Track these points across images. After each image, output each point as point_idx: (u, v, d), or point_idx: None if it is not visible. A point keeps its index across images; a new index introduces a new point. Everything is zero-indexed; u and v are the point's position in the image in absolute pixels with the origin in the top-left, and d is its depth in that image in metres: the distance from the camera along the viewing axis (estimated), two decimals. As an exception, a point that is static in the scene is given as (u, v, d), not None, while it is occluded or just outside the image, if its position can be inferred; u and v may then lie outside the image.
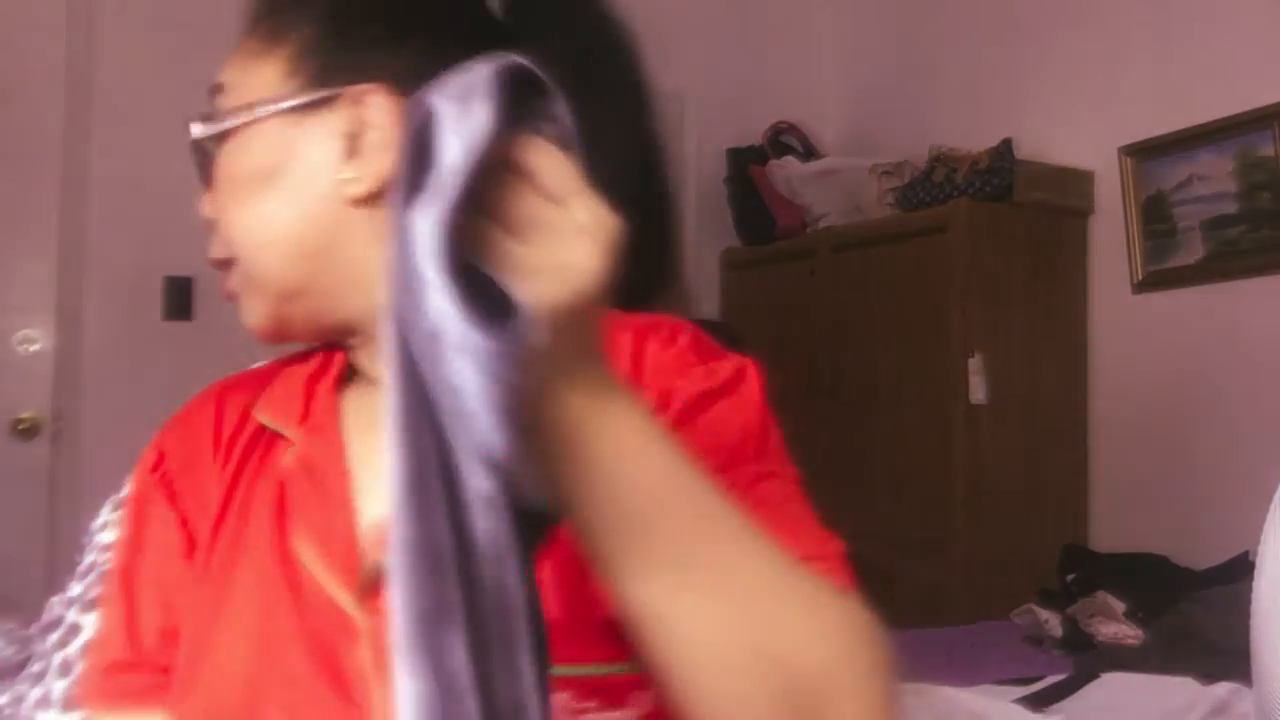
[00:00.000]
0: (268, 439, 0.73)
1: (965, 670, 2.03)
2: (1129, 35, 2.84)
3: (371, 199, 0.66)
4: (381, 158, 0.65)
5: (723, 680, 0.50)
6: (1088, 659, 2.07)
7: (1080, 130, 2.94)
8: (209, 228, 0.72)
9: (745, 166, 3.49)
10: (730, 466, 0.62)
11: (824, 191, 3.29)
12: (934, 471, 2.81)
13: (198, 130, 0.70)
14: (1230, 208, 2.59)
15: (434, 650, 0.43)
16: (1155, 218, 2.76)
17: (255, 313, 0.71)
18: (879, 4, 3.71)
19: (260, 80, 0.68)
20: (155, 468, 0.74)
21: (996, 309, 2.79)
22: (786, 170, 3.37)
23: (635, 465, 0.49)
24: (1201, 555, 2.39)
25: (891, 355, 2.96)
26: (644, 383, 0.65)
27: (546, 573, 0.60)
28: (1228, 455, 2.55)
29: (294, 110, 0.67)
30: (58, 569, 2.64)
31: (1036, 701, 1.69)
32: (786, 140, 3.60)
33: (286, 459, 0.71)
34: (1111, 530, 2.83)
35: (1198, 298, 2.66)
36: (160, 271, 2.89)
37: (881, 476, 2.97)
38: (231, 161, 0.69)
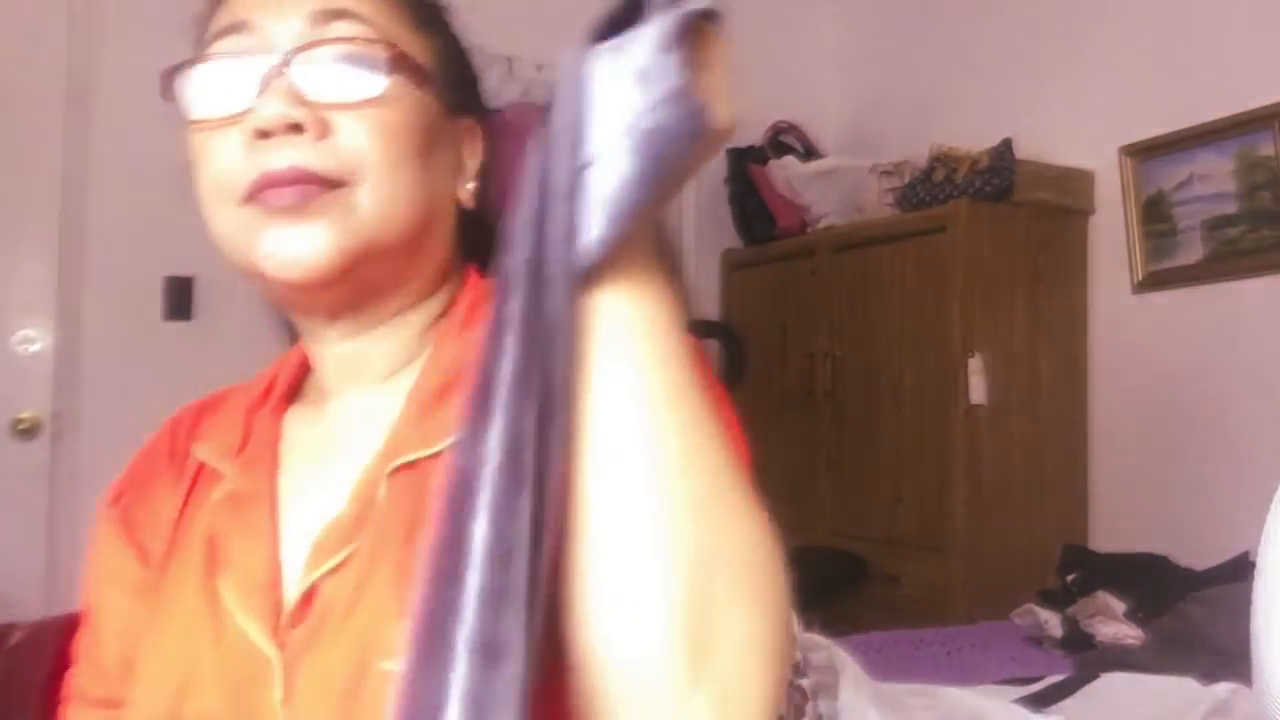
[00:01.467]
0: (210, 471, 0.72)
1: (965, 670, 2.03)
2: (1129, 35, 2.84)
3: (463, 215, 0.73)
4: (473, 185, 0.73)
5: (630, 543, 0.49)
6: (1088, 659, 2.07)
7: (1080, 130, 2.94)
8: (312, 130, 0.65)
9: (745, 166, 3.49)
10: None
11: (824, 191, 3.30)
12: (934, 471, 2.81)
13: (380, 55, 0.67)
14: (1230, 208, 2.59)
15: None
16: (1155, 218, 2.76)
17: (332, 242, 0.65)
18: (879, 4, 3.71)
19: (406, 41, 0.69)
20: (116, 499, 0.75)
21: (996, 309, 2.79)
22: (786, 170, 3.37)
23: (649, 344, 0.52)
24: (1201, 555, 2.39)
25: (891, 355, 2.96)
26: None
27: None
28: (1228, 455, 2.55)
29: (447, 102, 0.71)
30: (58, 569, 2.65)
31: (1036, 701, 1.69)
32: (786, 140, 3.60)
33: (216, 494, 0.70)
34: (1111, 530, 2.83)
35: (1198, 298, 2.66)
36: (160, 271, 2.89)
37: (881, 476, 2.97)
38: (405, 108, 0.67)
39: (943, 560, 2.75)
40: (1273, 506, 0.80)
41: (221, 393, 0.78)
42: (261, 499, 0.69)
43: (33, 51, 2.78)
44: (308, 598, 0.64)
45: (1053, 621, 2.26)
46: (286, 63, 0.64)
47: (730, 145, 3.56)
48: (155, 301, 2.92)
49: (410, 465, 0.65)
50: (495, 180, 0.76)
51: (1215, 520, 2.50)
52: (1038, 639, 2.26)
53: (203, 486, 0.72)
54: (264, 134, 0.63)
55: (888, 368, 2.97)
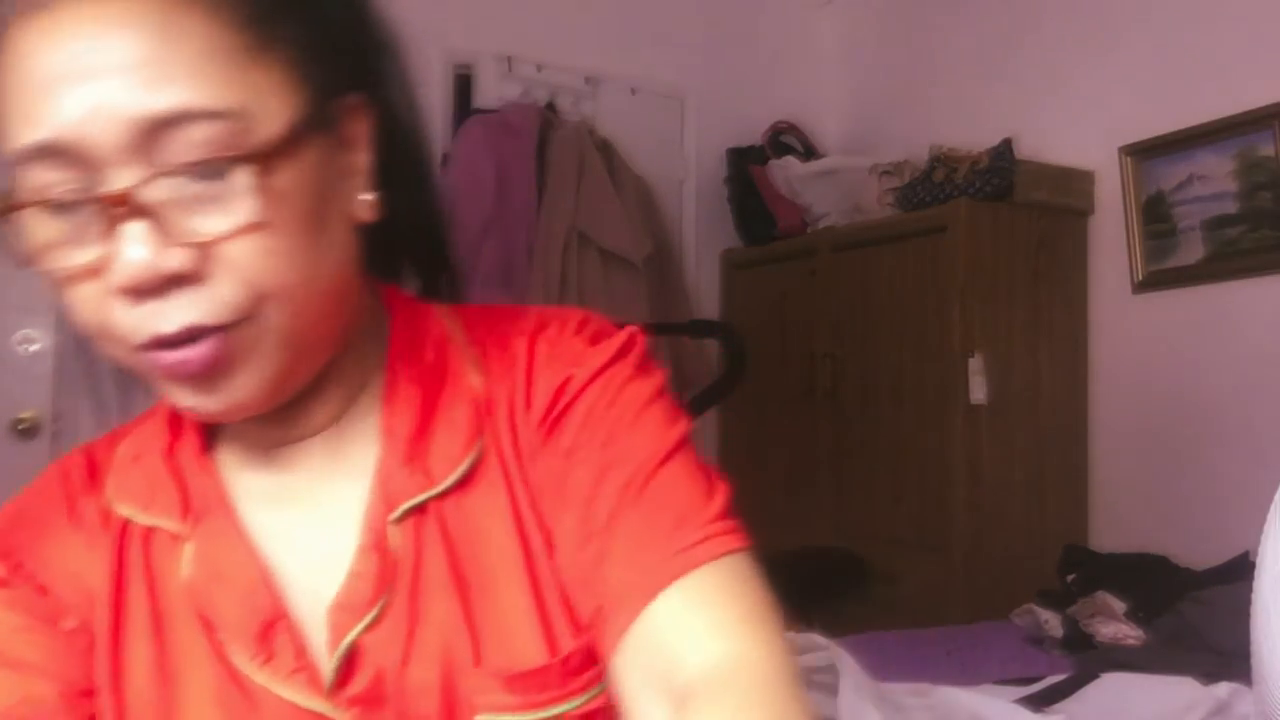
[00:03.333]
0: (143, 530, 0.66)
1: (965, 670, 2.03)
2: (1129, 35, 2.84)
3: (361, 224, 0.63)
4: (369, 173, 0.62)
5: None
6: (1088, 659, 2.07)
7: (1080, 130, 2.94)
8: (191, 282, 0.54)
9: (745, 166, 3.49)
10: (624, 459, 0.63)
11: (824, 191, 3.30)
12: (934, 471, 2.81)
13: (244, 164, 0.53)
14: (1230, 208, 2.59)
15: None
16: (1155, 218, 2.76)
17: (255, 385, 0.58)
18: (879, 4, 3.71)
19: (257, 95, 0.54)
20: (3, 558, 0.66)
21: (996, 309, 2.79)
22: (786, 170, 3.37)
23: None
24: (1201, 555, 2.39)
25: (891, 355, 2.96)
26: (538, 380, 0.66)
27: (525, 617, 0.63)
28: (1228, 455, 2.55)
29: (321, 126, 0.58)
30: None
31: (1036, 701, 1.69)
32: (786, 140, 3.60)
33: (185, 567, 0.64)
34: (1111, 530, 2.83)
35: (1198, 298, 2.66)
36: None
37: (881, 476, 2.97)
38: (290, 201, 0.55)
39: (943, 560, 2.75)
40: (1273, 506, 0.80)
41: (105, 440, 0.71)
42: (246, 562, 0.64)
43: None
44: (352, 659, 0.62)
45: (1053, 621, 2.26)
46: (130, 202, 0.52)
47: (730, 145, 3.57)
48: (155, 301, 2.92)
49: (419, 509, 0.64)
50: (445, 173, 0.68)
51: (1215, 520, 2.50)
52: (1038, 639, 2.26)
53: (134, 548, 0.66)
54: (136, 292, 0.53)
55: (888, 368, 2.97)
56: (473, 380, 0.67)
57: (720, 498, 0.64)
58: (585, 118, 3.29)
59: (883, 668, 1.76)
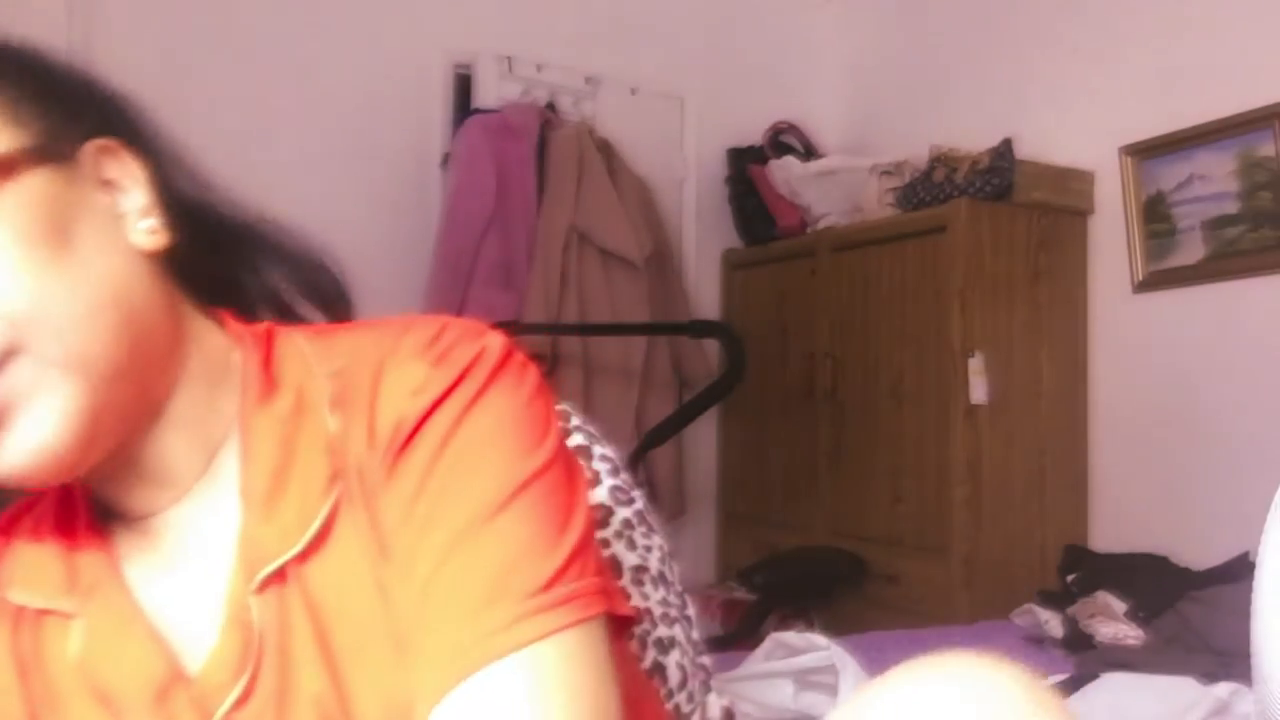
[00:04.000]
0: (34, 613, 0.63)
1: (965, 670, 2.03)
2: (1129, 35, 2.84)
3: (157, 253, 0.62)
4: (156, 210, 0.62)
5: None
6: (1088, 659, 2.07)
7: (1080, 130, 2.94)
8: None
9: (745, 166, 3.49)
10: (449, 511, 0.57)
11: (824, 191, 3.29)
12: (934, 471, 2.81)
13: None
14: (1231, 208, 2.59)
15: None
16: (1155, 218, 2.76)
17: (63, 415, 0.55)
18: (879, 4, 3.70)
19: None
20: None
21: (996, 309, 2.79)
22: (786, 170, 3.37)
23: None
24: (1201, 555, 2.39)
25: (891, 355, 2.96)
26: (380, 414, 0.60)
27: (400, 687, 0.58)
28: (1228, 455, 2.55)
29: (50, 160, 0.58)
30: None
31: (1036, 701, 1.68)
32: (786, 140, 3.60)
33: (74, 644, 0.62)
34: (1111, 530, 2.83)
35: (1198, 298, 2.66)
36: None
37: (881, 476, 2.97)
38: (9, 222, 0.55)
39: (943, 560, 2.75)
40: (1273, 506, 0.80)
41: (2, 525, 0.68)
42: (137, 632, 0.61)
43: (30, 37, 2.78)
44: None
45: (1053, 621, 2.26)
46: None
47: (730, 145, 3.57)
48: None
49: (279, 575, 0.60)
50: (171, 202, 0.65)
51: (1215, 520, 2.50)
52: (1038, 639, 2.26)
53: (28, 633, 0.63)
54: None
55: (888, 368, 2.97)
56: (328, 421, 0.61)
57: (564, 550, 0.57)
58: (585, 118, 3.29)
59: (883, 668, 1.76)
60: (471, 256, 2.95)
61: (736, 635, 2.78)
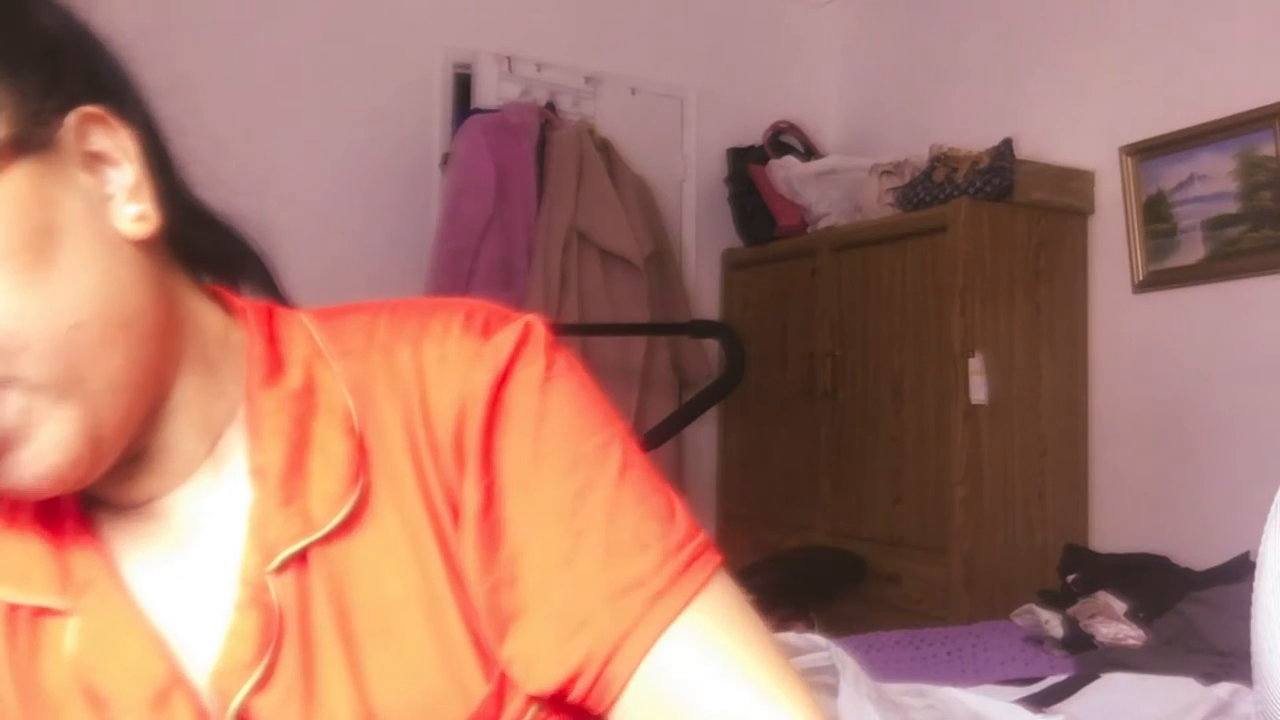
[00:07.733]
0: (29, 610, 0.60)
1: (965, 670, 2.03)
2: (1129, 35, 2.84)
3: (151, 238, 0.57)
4: (146, 185, 0.56)
5: None
6: (1088, 659, 2.07)
7: (1080, 130, 2.94)
8: None
9: (745, 166, 3.49)
10: (563, 483, 0.58)
11: (824, 191, 3.30)
12: (934, 471, 2.81)
13: None
14: (1231, 208, 2.59)
15: None
16: (1156, 217, 2.76)
17: (63, 442, 0.53)
18: (879, 4, 3.70)
19: None
20: None
21: (996, 309, 2.79)
22: (786, 170, 3.37)
23: None
24: (1201, 555, 2.39)
25: (891, 355, 2.96)
26: (435, 396, 0.59)
27: (432, 665, 0.59)
28: (1228, 455, 2.55)
29: (33, 147, 0.52)
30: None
31: (1037, 702, 1.69)
32: (786, 140, 3.60)
33: (69, 643, 0.59)
34: (1111, 530, 2.83)
35: (1198, 298, 2.66)
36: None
37: (881, 476, 2.97)
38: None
39: (943, 560, 2.75)
40: (1273, 507, 0.80)
41: None
42: (134, 629, 0.58)
43: None
44: None
45: (1053, 621, 2.26)
46: None
47: (730, 145, 3.57)
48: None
49: (300, 556, 0.58)
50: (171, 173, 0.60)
51: (1215, 520, 2.50)
52: (1038, 639, 2.26)
53: (22, 630, 0.60)
54: None
55: (888, 368, 2.97)
56: (348, 403, 0.60)
57: (681, 506, 0.60)
58: (585, 118, 3.29)
59: (883, 668, 1.76)
60: (471, 256, 2.95)
61: (736, 635, 2.78)
